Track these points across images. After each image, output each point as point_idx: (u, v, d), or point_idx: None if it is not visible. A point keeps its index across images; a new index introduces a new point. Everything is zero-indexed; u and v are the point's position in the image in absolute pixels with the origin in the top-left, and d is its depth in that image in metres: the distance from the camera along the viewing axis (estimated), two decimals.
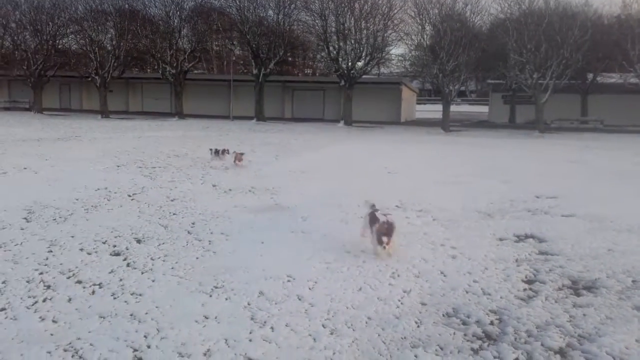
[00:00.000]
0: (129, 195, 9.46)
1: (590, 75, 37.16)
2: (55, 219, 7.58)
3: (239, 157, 13.78)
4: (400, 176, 12.57)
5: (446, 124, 31.90)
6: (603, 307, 4.72)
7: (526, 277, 5.53)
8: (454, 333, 4.17)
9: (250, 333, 4.09)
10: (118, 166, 13.02)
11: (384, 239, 5.70)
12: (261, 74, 36.25)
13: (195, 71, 49.91)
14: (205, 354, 3.74)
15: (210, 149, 14.78)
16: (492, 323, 4.38)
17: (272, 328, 4.18)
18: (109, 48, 38.28)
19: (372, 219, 6.10)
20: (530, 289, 5.20)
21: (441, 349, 3.90)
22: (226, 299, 4.78)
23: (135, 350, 3.79)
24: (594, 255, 6.33)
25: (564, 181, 12.11)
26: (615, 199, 9.90)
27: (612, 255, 6.34)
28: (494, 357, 3.77)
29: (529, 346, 3.95)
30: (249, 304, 4.66)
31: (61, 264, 5.64)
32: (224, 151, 14.46)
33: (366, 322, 4.34)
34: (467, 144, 22.48)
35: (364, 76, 37.31)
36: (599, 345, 3.97)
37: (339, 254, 6.19)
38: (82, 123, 28.84)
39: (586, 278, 5.52)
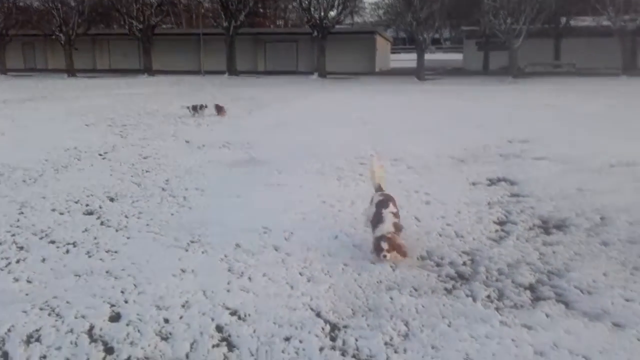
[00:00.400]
0: (100, 154, 9.30)
1: (563, 19, 37.10)
2: (25, 181, 7.44)
3: (220, 109, 14.11)
4: (375, 126, 12.56)
5: (421, 73, 31.76)
6: (572, 245, 4.85)
7: (498, 219, 5.64)
8: (428, 275, 4.26)
9: (228, 284, 4.12)
10: (87, 125, 12.75)
11: (384, 245, 4.25)
12: (232, 27, 35.38)
13: (164, 26, 48.53)
14: (183, 306, 3.77)
15: (188, 106, 14.47)
16: (464, 264, 4.48)
17: (249, 278, 4.22)
18: (73, 4, 36.87)
19: (377, 213, 4.61)
20: (502, 229, 5.31)
21: (415, 290, 3.99)
22: (203, 253, 4.79)
23: (112, 305, 3.80)
24: (563, 195, 6.47)
25: (536, 125, 12.24)
26: (586, 141, 10.06)
27: (582, 194, 6.48)
28: (467, 296, 3.87)
29: (500, 284, 4.07)
30: (225, 257, 4.68)
31: (33, 225, 5.57)
32: (202, 107, 14.20)
33: (342, 269, 4.40)
34: (441, 92, 22.48)
35: (337, 26, 36.69)
36: (568, 280, 4.10)
37: (315, 204, 6.21)
38: (48, 83, 28.03)
39: (556, 217, 5.66)
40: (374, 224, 4.54)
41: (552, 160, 8.42)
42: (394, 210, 4.62)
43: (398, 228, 4.48)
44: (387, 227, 4.36)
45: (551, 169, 7.90)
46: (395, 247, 4.26)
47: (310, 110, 16.15)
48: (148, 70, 36.93)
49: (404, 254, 4.33)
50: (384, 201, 4.73)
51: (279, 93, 21.95)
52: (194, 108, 14.16)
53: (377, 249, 4.28)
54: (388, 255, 4.22)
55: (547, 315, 3.54)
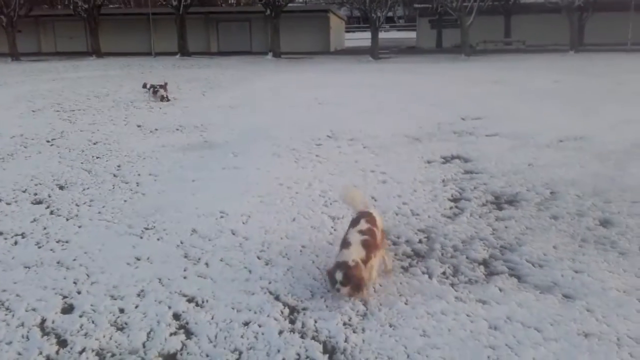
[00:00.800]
0: (48, 141, 8.97)
1: None
2: None
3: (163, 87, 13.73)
4: (331, 106, 12.54)
5: (375, 52, 31.81)
6: (523, 219, 4.99)
7: (452, 196, 5.74)
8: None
9: (185, 270, 4.06)
10: (33, 111, 12.26)
11: (338, 276, 3.38)
12: (181, 6, 34.43)
13: (111, 5, 46.90)
14: (139, 295, 3.70)
15: (145, 84, 13.93)
16: (420, 241, 4.55)
17: (206, 264, 4.17)
18: None
19: (345, 235, 3.78)
20: (456, 206, 5.42)
21: None
22: (158, 240, 4.71)
23: (65, 297, 3.69)
24: (515, 170, 6.63)
25: (488, 102, 12.47)
26: (536, 117, 10.32)
27: (533, 170, 6.67)
28: (423, 273, 3.93)
29: (455, 260, 4.15)
30: (182, 243, 4.61)
31: None
32: (162, 86, 13.67)
33: (300, 251, 4.40)
34: (395, 71, 22.60)
35: (290, 4, 36.26)
36: (520, 254, 4.22)
37: (272, 187, 6.18)
38: None
39: (508, 193, 5.80)
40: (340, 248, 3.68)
41: (503, 137, 8.61)
42: (365, 227, 3.69)
43: (371, 247, 3.58)
44: (351, 253, 3.48)
45: (503, 145, 8.07)
46: (353, 281, 3.37)
47: (265, 91, 15.99)
48: (96, 52, 35.67)
49: (360, 291, 3.47)
50: (356, 219, 3.84)
51: (232, 74, 21.62)
52: (153, 88, 13.56)
53: (331, 279, 3.46)
54: (342, 289, 3.39)
55: (501, 290, 3.64)
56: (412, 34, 50.96)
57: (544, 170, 6.61)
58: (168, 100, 13.26)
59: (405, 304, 3.49)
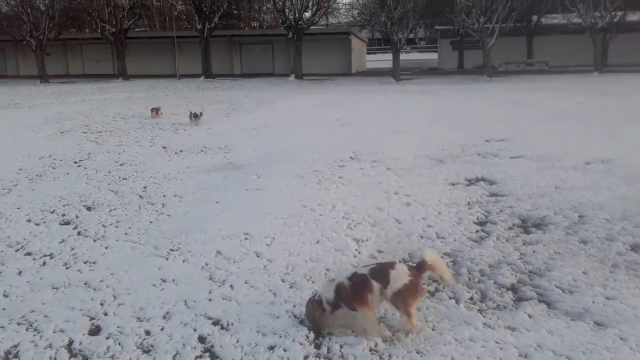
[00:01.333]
0: (75, 162, 9.14)
1: (534, 17, 37.65)
2: None
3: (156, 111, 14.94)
4: (353, 127, 12.57)
5: (396, 73, 31.93)
6: (551, 243, 4.90)
7: (478, 219, 5.67)
8: None
9: (210, 293, 4.07)
10: (62, 132, 12.52)
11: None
12: (206, 29, 35.10)
13: (137, 29, 47.94)
14: (164, 317, 3.71)
15: (191, 112, 14.02)
16: (446, 265, 4.49)
17: (231, 286, 4.17)
18: (43, 8, 36.19)
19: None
20: (482, 230, 5.35)
21: None
22: (183, 261, 4.73)
23: (92, 318, 3.72)
24: (541, 193, 6.54)
25: (512, 123, 12.38)
26: (561, 138, 10.20)
27: (559, 192, 6.57)
28: (450, 298, 3.87)
29: (483, 285, 4.08)
30: (206, 265, 4.62)
31: (8, 237, 5.44)
32: (200, 114, 13.81)
33: (325, 274, 4.38)
34: (417, 92, 22.62)
35: (312, 27, 36.68)
36: (549, 279, 4.14)
37: (295, 209, 6.18)
38: (20, 89, 27.47)
39: (535, 216, 5.71)
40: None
41: (528, 158, 8.52)
42: (362, 272, 3.38)
43: (341, 295, 3.31)
44: (326, 289, 3.39)
45: (528, 167, 7.98)
46: (307, 315, 3.46)
47: (288, 112, 16.11)
48: (122, 74, 36.47)
49: (312, 323, 3.45)
50: (369, 265, 3.59)
51: (255, 96, 21.86)
52: (195, 115, 13.69)
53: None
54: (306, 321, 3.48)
55: (530, 316, 3.57)
56: (433, 55, 51.10)
57: (571, 193, 6.51)
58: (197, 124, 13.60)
59: (432, 329, 3.44)
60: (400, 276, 3.29)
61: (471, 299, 3.87)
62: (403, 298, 3.28)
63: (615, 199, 6.17)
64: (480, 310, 3.68)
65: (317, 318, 3.40)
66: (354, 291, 3.29)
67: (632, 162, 7.97)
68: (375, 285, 3.28)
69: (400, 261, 3.82)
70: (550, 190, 6.66)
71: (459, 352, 3.18)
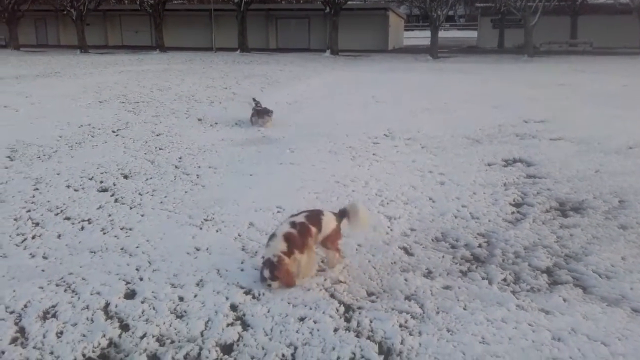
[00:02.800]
0: (113, 131, 9.30)
1: None
2: (39, 157, 7.46)
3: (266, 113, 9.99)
4: (388, 105, 12.44)
5: (434, 51, 31.33)
6: (589, 227, 4.79)
7: (514, 201, 5.57)
8: (443, 257, 4.23)
9: (242, 263, 4.11)
10: (100, 102, 12.74)
11: (266, 273, 3.63)
12: (243, 2, 34.96)
13: (175, 1, 48.15)
14: (197, 284, 3.77)
15: (254, 105, 10.20)
16: (480, 246, 4.44)
17: (263, 257, 4.20)
18: None
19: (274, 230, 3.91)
20: (518, 211, 5.25)
21: (430, 272, 3.96)
22: (217, 231, 4.79)
23: (127, 282, 3.81)
24: (581, 177, 6.38)
25: (553, 105, 12.06)
26: (603, 122, 9.89)
27: (599, 176, 6.39)
28: (482, 279, 3.83)
29: (517, 267, 4.02)
30: (239, 235, 4.67)
31: (48, 202, 5.59)
32: (268, 112, 9.94)
33: (356, 249, 4.38)
34: (455, 71, 22.19)
35: (349, 2, 36.21)
36: (586, 264, 4.05)
37: (328, 184, 6.18)
38: (61, 59, 28.00)
39: (573, 199, 5.58)
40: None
41: (568, 141, 8.30)
42: (300, 221, 3.75)
43: (296, 242, 3.64)
44: (274, 247, 3.64)
45: (568, 149, 7.78)
46: (280, 274, 3.58)
47: (323, 88, 16.02)
48: (160, 46, 36.75)
49: (288, 283, 3.64)
50: (300, 212, 3.96)
51: (291, 70, 21.79)
52: (257, 112, 9.96)
53: (261, 277, 3.69)
54: (273, 284, 3.62)
55: (565, 300, 3.50)
56: (472, 34, 50.00)
57: (612, 177, 6.33)
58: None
59: (464, 309, 3.41)
60: (330, 222, 3.87)
61: (504, 280, 3.82)
62: (332, 240, 3.89)
63: None
64: (513, 292, 3.63)
65: (290, 272, 3.62)
66: (301, 237, 3.69)
67: None
68: (314, 229, 3.77)
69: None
70: (590, 174, 6.49)
71: (490, 332, 3.15)
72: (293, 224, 3.75)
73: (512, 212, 5.23)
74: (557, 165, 6.87)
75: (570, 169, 6.73)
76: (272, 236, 3.74)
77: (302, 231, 3.72)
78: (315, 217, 3.86)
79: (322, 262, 4.11)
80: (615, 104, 12.22)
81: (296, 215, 3.91)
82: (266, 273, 3.62)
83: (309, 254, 3.76)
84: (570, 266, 4.02)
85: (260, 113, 9.89)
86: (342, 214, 4.00)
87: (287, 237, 3.66)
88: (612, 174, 6.44)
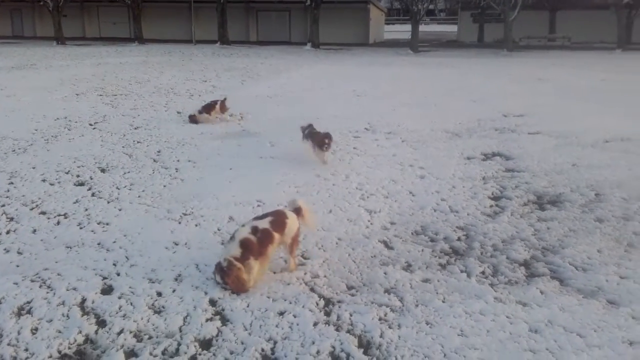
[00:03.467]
0: (91, 124, 9.16)
1: None
2: (14, 150, 7.31)
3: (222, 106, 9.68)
4: (369, 99, 12.44)
5: (415, 45, 31.42)
6: (566, 221, 4.85)
7: (493, 194, 5.62)
8: (422, 250, 4.25)
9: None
10: (77, 94, 12.53)
11: (217, 277, 3.58)
12: None
13: None
14: (176, 279, 3.74)
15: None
16: (459, 239, 4.47)
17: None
18: None
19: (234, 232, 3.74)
20: (497, 205, 5.30)
21: (409, 265, 3.98)
22: (196, 226, 4.75)
23: (104, 278, 3.76)
24: (558, 170, 6.46)
25: (531, 99, 12.17)
26: (581, 116, 10.02)
27: (577, 170, 6.47)
28: (461, 272, 3.86)
29: (495, 259, 4.06)
30: (219, 230, 4.64)
31: (23, 196, 5.49)
32: (222, 104, 9.60)
33: (336, 243, 4.37)
34: (435, 65, 22.28)
35: None
36: (562, 256, 4.10)
37: (308, 178, 6.16)
38: (37, 50, 27.46)
39: (551, 193, 5.65)
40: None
41: (547, 135, 8.39)
42: (263, 227, 3.64)
43: (252, 249, 3.54)
44: (227, 251, 3.57)
45: (546, 143, 7.87)
46: (229, 280, 3.49)
47: (303, 81, 15.97)
48: (138, 38, 36.26)
49: (238, 289, 3.51)
50: (263, 215, 3.87)
51: (271, 64, 21.67)
52: (206, 108, 9.56)
53: (215, 278, 3.61)
54: (226, 287, 3.54)
55: (542, 292, 3.55)
56: (453, 28, 50.25)
57: (588, 171, 6.41)
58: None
59: (443, 302, 3.43)
60: (294, 224, 3.76)
61: (483, 273, 3.85)
62: (294, 242, 3.80)
63: (634, 178, 6.07)
64: (491, 285, 3.66)
65: (242, 278, 3.48)
66: (260, 244, 3.57)
67: None
68: (277, 235, 3.65)
69: (285, 207, 4.13)
70: (567, 168, 6.57)
71: (468, 324, 3.17)
72: (254, 230, 3.61)
73: (491, 206, 5.28)
74: (535, 159, 6.94)
75: (548, 162, 6.80)
76: (231, 238, 3.63)
77: (263, 238, 3.58)
78: (279, 221, 3.71)
79: (303, 256, 4.11)
80: (593, 98, 12.38)
81: (261, 218, 3.75)
82: (217, 278, 3.55)
83: (262, 262, 3.61)
84: (547, 259, 4.07)
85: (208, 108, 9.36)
86: (298, 214, 3.88)
87: (244, 243, 3.54)
88: (589, 168, 6.53)
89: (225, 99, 9.91)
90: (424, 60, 24.91)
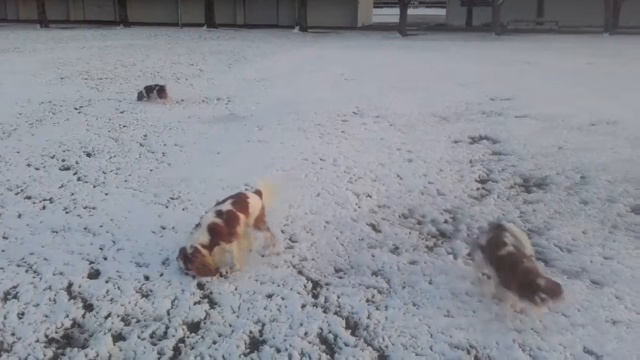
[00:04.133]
0: (76, 108, 9.06)
1: None
2: None
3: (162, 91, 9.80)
4: (357, 82, 12.40)
5: (403, 28, 31.27)
6: (552, 203, 4.89)
7: (479, 177, 5.65)
8: (410, 232, 4.28)
9: None
10: (62, 78, 12.37)
11: (180, 263, 3.55)
12: None
13: None
14: (163, 263, 3.73)
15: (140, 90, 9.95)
16: (446, 222, 4.50)
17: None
18: None
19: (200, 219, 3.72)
20: (483, 188, 5.33)
21: (397, 248, 4.00)
22: (183, 210, 4.74)
23: (91, 262, 3.74)
24: (545, 153, 6.50)
25: (519, 83, 12.20)
26: (567, 99, 10.06)
27: (563, 153, 6.52)
28: (448, 253, 3.89)
29: None
30: (206, 214, 4.61)
31: (8, 180, 5.44)
32: (161, 89, 9.78)
33: (324, 226, 4.39)
34: (424, 48, 22.22)
35: None
36: (548, 238, 4.15)
37: (296, 161, 6.16)
38: (20, 34, 27.00)
39: (537, 176, 5.69)
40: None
41: (533, 118, 8.43)
42: (227, 209, 3.62)
43: (221, 233, 3.53)
44: (197, 236, 3.53)
45: (533, 126, 7.91)
46: (193, 267, 3.47)
47: (291, 65, 15.87)
48: (124, 21, 35.76)
49: (204, 275, 3.50)
50: (225, 199, 3.80)
51: (258, 47, 21.49)
52: (148, 90, 9.79)
53: (179, 264, 3.57)
54: (190, 272, 3.52)
55: None
56: (441, 11, 50.05)
57: (574, 153, 6.46)
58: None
59: (430, 283, 3.46)
60: (257, 204, 3.77)
61: (469, 255, 3.87)
62: (261, 219, 3.79)
63: (619, 161, 6.13)
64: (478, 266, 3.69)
65: (210, 262, 3.48)
66: (227, 226, 3.53)
67: (638, 124, 7.88)
68: (242, 216, 3.62)
69: (246, 190, 4.24)
70: (553, 151, 6.61)
71: (455, 305, 3.21)
72: (219, 213, 3.59)
73: (478, 189, 5.31)
74: (522, 142, 6.98)
75: (534, 145, 6.84)
76: (197, 226, 3.59)
77: (229, 220, 3.56)
78: (242, 202, 3.71)
79: (291, 239, 4.12)
80: (580, 82, 12.43)
81: (222, 202, 3.73)
82: (180, 263, 3.51)
83: (239, 242, 3.63)
84: (533, 240, 4.09)
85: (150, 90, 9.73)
86: (259, 194, 3.87)
87: (212, 228, 3.51)
88: (575, 151, 6.58)
89: (164, 85, 9.99)
90: (412, 44, 24.82)
